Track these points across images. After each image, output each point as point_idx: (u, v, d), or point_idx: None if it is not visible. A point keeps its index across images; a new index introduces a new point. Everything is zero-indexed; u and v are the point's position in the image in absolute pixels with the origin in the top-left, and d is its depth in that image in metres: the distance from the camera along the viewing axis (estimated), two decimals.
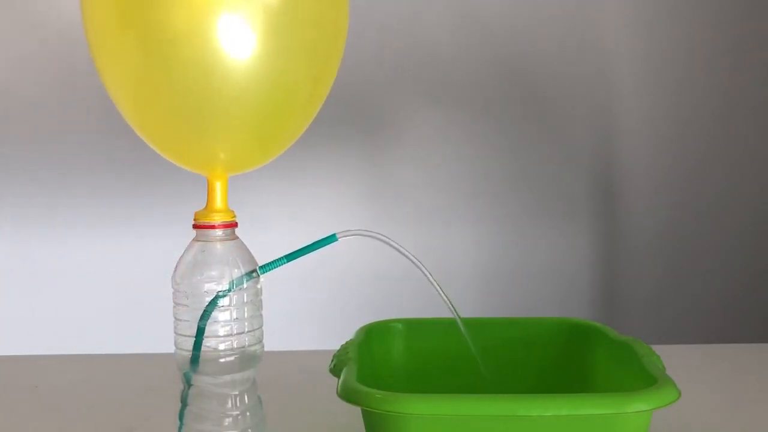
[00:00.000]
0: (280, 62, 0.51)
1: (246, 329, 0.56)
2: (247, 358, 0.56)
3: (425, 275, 0.59)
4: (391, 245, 0.57)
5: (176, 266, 0.56)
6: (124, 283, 1.41)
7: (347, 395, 0.52)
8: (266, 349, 0.58)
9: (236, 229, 0.57)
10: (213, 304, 0.54)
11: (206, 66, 0.48)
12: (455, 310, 0.61)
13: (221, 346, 0.55)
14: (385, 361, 0.70)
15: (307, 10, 0.51)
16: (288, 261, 0.56)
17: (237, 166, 0.56)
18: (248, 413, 0.56)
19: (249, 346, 0.56)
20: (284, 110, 0.54)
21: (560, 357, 0.71)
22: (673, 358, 0.70)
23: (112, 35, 0.49)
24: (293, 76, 0.52)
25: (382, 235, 0.57)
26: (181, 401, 0.56)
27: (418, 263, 0.58)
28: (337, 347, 0.64)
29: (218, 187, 0.56)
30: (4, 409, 0.78)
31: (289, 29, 0.50)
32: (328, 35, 0.54)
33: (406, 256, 0.58)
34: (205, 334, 0.54)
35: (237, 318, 0.55)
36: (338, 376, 0.56)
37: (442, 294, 0.60)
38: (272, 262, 0.56)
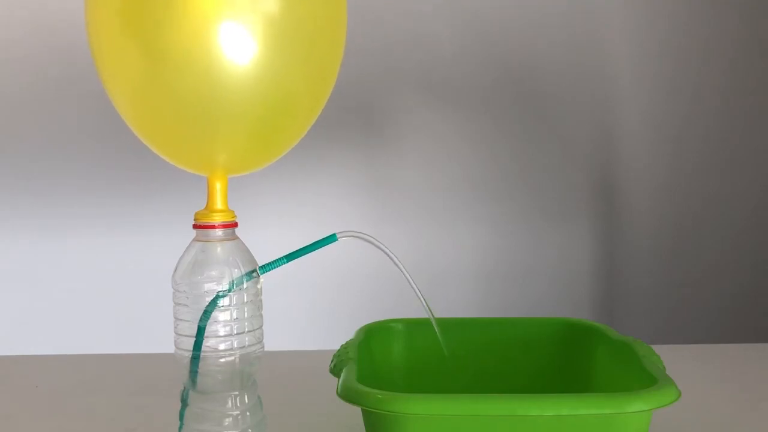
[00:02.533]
0: (280, 72, 0.51)
1: (246, 329, 0.56)
2: (247, 361, 0.56)
3: (407, 280, 0.59)
4: (380, 248, 0.57)
5: (176, 266, 0.56)
6: (124, 283, 1.41)
7: (347, 395, 0.52)
8: (266, 349, 0.58)
9: (236, 229, 0.57)
10: (213, 304, 0.54)
11: (207, 75, 0.49)
12: (431, 311, 0.62)
13: (221, 346, 0.55)
14: (385, 361, 0.70)
15: (307, 22, 0.52)
16: (288, 261, 0.56)
17: (237, 168, 0.57)
18: (248, 413, 0.56)
19: (249, 346, 0.56)
20: (284, 117, 0.54)
21: (560, 357, 0.71)
22: (673, 358, 0.70)
23: (116, 45, 0.50)
24: (293, 85, 0.53)
25: (374, 238, 0.57)
26: (181, 401, 0.56)
27: (403, 268, 0.59)
28: (337, 347, 0.64)
29: (218, 188, 0.56)
30: (4, 409, 0.78)
31: (288, 41, 0.51)
32: (326, 46, 0.54)
33: (393, 261, 0.58)
34: (205, 334, 0.54)
35: (237, 318, 0.55)
36: (338, 376, 0.56)
37: (421, 297, 0.60)
38: (272, 262, 0.56)
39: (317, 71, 0.54)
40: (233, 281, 0.54)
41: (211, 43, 0.48)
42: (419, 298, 0.60)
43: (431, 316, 0.62)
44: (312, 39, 0.52)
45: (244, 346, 0.56)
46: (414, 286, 0.60)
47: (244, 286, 0.55)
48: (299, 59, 0.52)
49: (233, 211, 0.57)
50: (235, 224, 0.57)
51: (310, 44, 0.52)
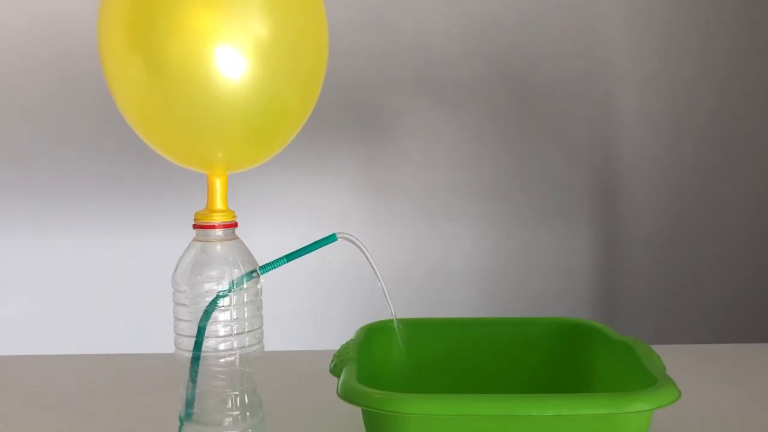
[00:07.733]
0: (269, 83, 0.55)
1: (246, 329, 0.56)
2: (247, 361, 0.56)
3: (381, 285, 0.60)
4: (362, 250, 0.59)
5: (176, 266, 0.56)
6: (124, 283, 1.41)
7: (347, 395, 0.52)
8: (266, 349, 0.58)
9: (236, 229, 0.57)
10: (213, 304, 0.54)
11: (204, 86, 0.53)
12: (394, 312, 0.63)
13: (221, 346, 0.55)
14: (385, 361, 0.70)
15: (292, 39, 0.56)
16: (288, 261, 0.56)
17: (234, 166, 0.58)
18: (248, 413, 0.57)
19: (249, 346, 0.56)
20: (275, 120, 0.57)
21: (560, 357, 0.71)
22: (673, 358, 0.70)
23: (123, 57, 0.54)
24: (281, 93, 0.56)
25: (356, 238, 0.58)
26: (181, 401, 0.56)
27: (379, 274, 0.60)
28: (337, 347, 0.64)
29: (218, 187, 0.56)
30: (4, 409, 0.78)
31: (276, 56, 0.55)
32: (311, 58, 0.57)
33: (371, 263, 0.60)
34: (205, 334, 0.54)
35: (237, 318, 0.55)
36: (338, 376, 0.56)
37: (389, 302, 0.62)
38: (272, 262, 0.56)
39: (303, 80, 0.57)
40: (233, 281, 0.55)
41: (207, 58, 0.52)
42: (387, 303, 0.61)
43: (394, 318, 0.64)
44: (297, 54, 0.56)
45: (244, 346, 0.56)
46: (385, 291, 0.60)
47: (244, 286, 0.55)
48: (286, 71, 0.55)
49: (233, 211, 0.57)
50: (235, 224, 0.57)
51: (295, 58, 0.56)
